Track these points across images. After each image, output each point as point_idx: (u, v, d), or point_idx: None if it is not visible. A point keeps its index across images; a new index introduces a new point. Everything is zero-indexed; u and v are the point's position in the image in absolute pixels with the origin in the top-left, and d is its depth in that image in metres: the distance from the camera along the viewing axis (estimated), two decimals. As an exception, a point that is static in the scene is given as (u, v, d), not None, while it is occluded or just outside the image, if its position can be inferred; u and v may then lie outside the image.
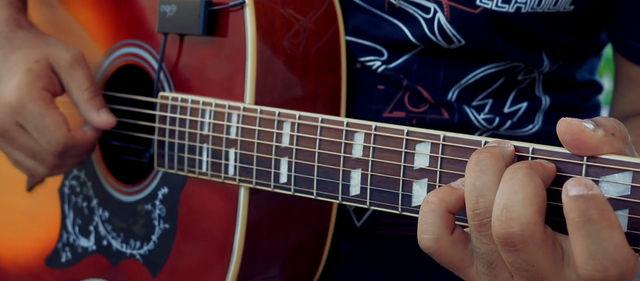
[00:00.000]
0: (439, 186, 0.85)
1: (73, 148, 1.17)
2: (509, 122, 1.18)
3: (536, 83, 1.21)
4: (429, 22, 1.12)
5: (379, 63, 1.16)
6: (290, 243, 1.15)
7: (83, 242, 1.27)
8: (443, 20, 1.11)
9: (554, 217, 0.77)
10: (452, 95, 1.17)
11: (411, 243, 1.20)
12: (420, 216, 0.80)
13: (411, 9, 1.13)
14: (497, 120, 1.17)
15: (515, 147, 0.79)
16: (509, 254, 0.74)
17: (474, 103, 1.18)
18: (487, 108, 1.18)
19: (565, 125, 0.74)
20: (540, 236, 0.73)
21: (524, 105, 1.20)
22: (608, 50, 1.30)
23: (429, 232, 0.79)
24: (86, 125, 1.20)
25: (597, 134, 0.74)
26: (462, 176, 0.83)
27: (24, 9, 1.26)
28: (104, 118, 1.18)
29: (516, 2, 1.09)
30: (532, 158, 0.78)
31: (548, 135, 1.20)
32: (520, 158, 0.79)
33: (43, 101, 1.15)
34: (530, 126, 1.20)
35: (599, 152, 0.74)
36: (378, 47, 1.17)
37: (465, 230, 0.80)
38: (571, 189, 0.71)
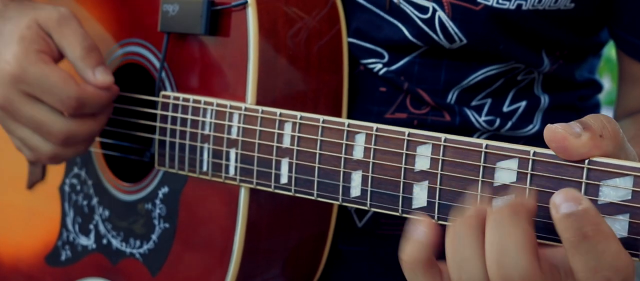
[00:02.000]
0: (440, 188, 0.85)
1: (87, 103, 1.12)
2: (509, 123, 1.18)
3: (535, 83, 1.21)
4: (429, 21, 1.12)
5: (380, 65, 1.16)
6: (290, 243, 1.15)
7: (83, 241, 1.27)
8: (444, 18, 1.11)
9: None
10: (452, 97, 1.17)
11: (412, 245, 1.20)
12: None
13: (409, 9, 1.13)
14: (497, 121, 1.18)
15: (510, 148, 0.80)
16: None
17: (473, 103, 1.18)
18: (486, 109, 1.18)
19: (549, 134, 0.74)
20: (540, 277, 0.73)
21: (523, 103, 1.20)
22: (607, 50, 1.30)
23: None
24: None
25: (582, 140, 0.74)
26: (463, 178, 0.84)
27: None
28: (100, 79, 1.12)
29: None
30: (533, 161, 0.78)
31: None
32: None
33: (43, 62, 1.11)
34: (530, 126, 1.20)
35: (586, 156, 0.75)
36: (379, 49, 1.17)
37: None
38: (561, 206, 0.70)
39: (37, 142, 1.16)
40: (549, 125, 0.74)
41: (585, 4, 1.14)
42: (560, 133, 0.74)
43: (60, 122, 1.13)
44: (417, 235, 0.79)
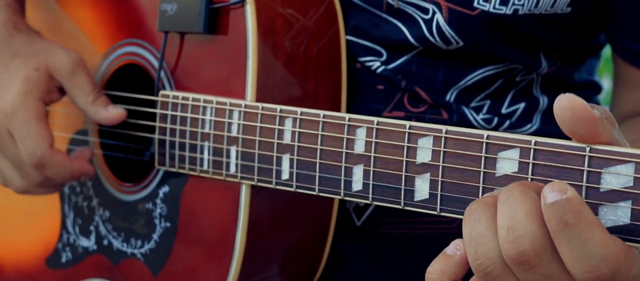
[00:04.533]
0: (442, 180, 0.85)
1: (50, 166, 1.16)
2: (507, 122, 1.19)
3: (534, 84, 1.21)
4: (428, 23, 1.13)
5: (378, 63, 1.17)
6: (291, 242, 1.15)
7: (83, 242, 1.27)
8: (441, 22, 1.12)
9: None
10: (451, 96, 1.17)
11: (411, 242, 1.20)
12: None
13: (410, 10, 1.14)
14: (495, 120, 1.18)
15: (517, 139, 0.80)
16: (527, 273, 0.74)
17: (472, 104, 1.18)
18: (485, 109, 1.19)
19: (568, 101, 0.71)
20: (551, 246, 0.73)
21: (522, 105, 1.21)
22: (607, 50, 1.30)
23: None
24: (74, 152, 1.21)
25: (596, 113, 0.72)
26: (464, 170, 0.84)
27: (21, 11, 1.25)
28: (114, 113, 1.18)
29: (513, 4, 1.09)
30: (535, 150, 0.79)
31: (546, 135, 1.20)
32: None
33: (34, 111, 1.15)
34: (529, 126, 1.21)
35: (597, 132, 0.73)
36: (377, 47, 1.17)
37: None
38: (547, 196, 0.71)
39: (13, 175, 1.20)
40: (562, 95, 0.71)
41: (582, 7, 1.14)
42: (580, 101, 0.71)
43: (30, 167, 1.17)
44: (450, 250, 0.79)
